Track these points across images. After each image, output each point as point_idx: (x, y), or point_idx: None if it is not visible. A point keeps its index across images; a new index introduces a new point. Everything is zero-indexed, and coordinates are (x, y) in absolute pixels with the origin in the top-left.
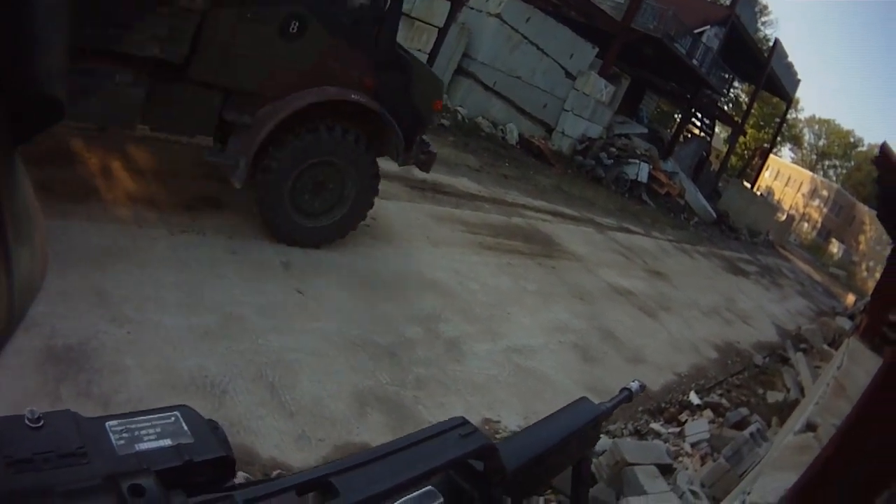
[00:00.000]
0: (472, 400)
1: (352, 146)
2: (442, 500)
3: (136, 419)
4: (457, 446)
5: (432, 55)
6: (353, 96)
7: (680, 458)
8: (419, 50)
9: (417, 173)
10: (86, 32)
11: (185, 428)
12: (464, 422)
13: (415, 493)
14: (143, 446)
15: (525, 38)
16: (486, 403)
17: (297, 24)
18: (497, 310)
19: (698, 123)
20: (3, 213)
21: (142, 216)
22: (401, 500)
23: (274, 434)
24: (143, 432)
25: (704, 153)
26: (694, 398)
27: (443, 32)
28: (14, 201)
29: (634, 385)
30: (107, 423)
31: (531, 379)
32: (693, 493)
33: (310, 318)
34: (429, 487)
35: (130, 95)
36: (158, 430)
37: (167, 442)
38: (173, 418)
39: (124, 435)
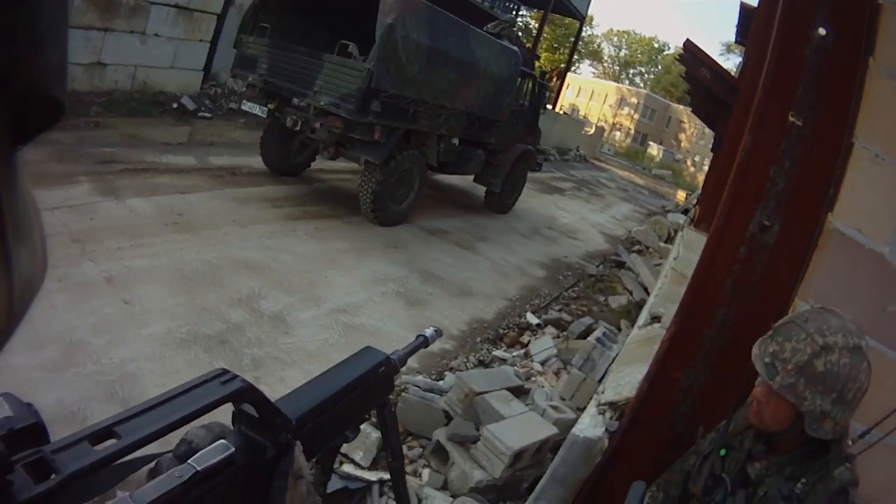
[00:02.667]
0: (309, 367)
1: (523, 165)
2: (233, 449)
3: None
4: (217, 391)
5: (214, 42)
6: (529, 147)
7: (532, 378)
8: (201, 40)
9: (214, 161)
10: (473, 133)
11: (7, 407)
12: (224, 371)
13: (209, 448)
14: None
15: None
16: (323, 367)
17: (516, 121)
18: (314, 275)
19: None
20: (3, 213)
21: None
22: (197, 456)
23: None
24: None
25: None
26: (531, 318)
27: (221, 18)
28: (14, 201)
29: (429, 331)
30: None
31: (362, 334)
32: (554, 407)
33: (140, 325)
34: (221, 441)
35: (482, 160)
36: None
37: None
38: None
39: None
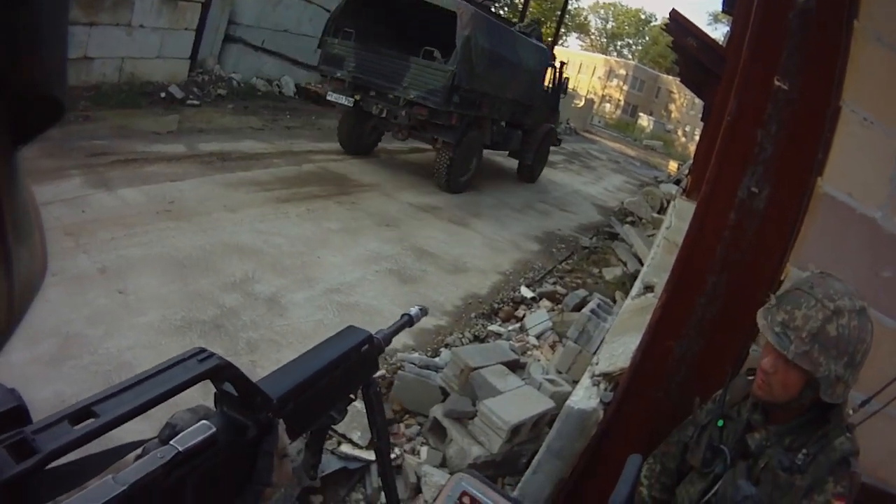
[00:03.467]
0: (305, 348)
1: (548, 141)
2: (214, 429)
3: None
4: (194, 369)
5: (199, 30)
6: (552, 126)
7: (528, 352)
8: (186, 28)
9: (204, 147)
10: (515, 117)
11: None
12: (202, 350)
13: (191, 428)
14: None
15: None
16: None
17: (542, 105)
18: (307, 256)
19: None
20: (3, 213)
21: None
22: (178, 437)
23: (134, 435)
24: None
25: None
26: (526, 292)
27: (206, 6)
28: (14, 202)
29: (414, 310)
30: None
31: (357, 313)
32: (550, 381)
33: (135, 314)
34: (203, 422)
35: (520, 139)
36: None
37: None
38: None
39: None
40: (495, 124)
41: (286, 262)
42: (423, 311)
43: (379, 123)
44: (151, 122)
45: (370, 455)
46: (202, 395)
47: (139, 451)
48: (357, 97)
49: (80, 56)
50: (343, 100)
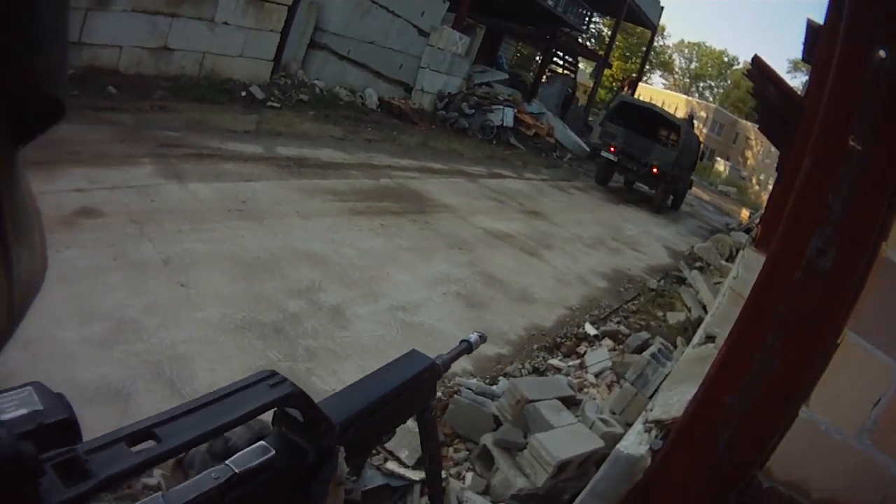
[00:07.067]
0: (363, 363)
1: (689, 185)
2: (273, 452)
3: None
4: (265, 395)
5: (284, 33)
6: (692, 177)
7: (585, 390)
8: (271, 30)
9: (282, 151)
10: (683, 174)
11: (37, 399)
12: (273, 373)
13: (248, 449)
14: (4, 417)
15: (374, 2)
16: (378, 364)
17: (691, 166)
18: (375, 271)
19: (560, 62)
20: (3, 213)
21: None
22: (235, 457)
23: None
24: (4, 406)
25: (570, 90)
26: (590, 329)
27: (292, 10)
28: (14, 201)
29: (473, 336)
30: None
31: (419, 333)
32: (603, 421)
33: (195, 308)
34: (262, 443)
35: (680, 185)
36: (16, 402)
37: (23, 411)
38: (27, 392)
39: None
40: (677, 178)
41: (354, 274)
42: (482, 338)
43: (621, 171)
44: (229, 119)
45: (415, 474)
46: None
47: (183, 455)
48: (620, 157)
49: (160, 46)
50: (611, 157)
